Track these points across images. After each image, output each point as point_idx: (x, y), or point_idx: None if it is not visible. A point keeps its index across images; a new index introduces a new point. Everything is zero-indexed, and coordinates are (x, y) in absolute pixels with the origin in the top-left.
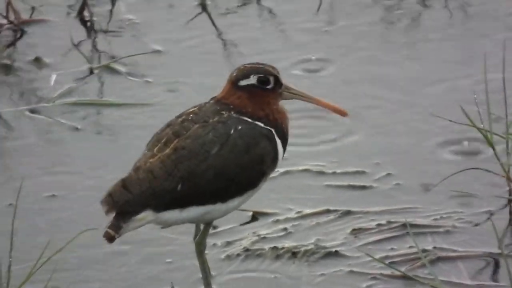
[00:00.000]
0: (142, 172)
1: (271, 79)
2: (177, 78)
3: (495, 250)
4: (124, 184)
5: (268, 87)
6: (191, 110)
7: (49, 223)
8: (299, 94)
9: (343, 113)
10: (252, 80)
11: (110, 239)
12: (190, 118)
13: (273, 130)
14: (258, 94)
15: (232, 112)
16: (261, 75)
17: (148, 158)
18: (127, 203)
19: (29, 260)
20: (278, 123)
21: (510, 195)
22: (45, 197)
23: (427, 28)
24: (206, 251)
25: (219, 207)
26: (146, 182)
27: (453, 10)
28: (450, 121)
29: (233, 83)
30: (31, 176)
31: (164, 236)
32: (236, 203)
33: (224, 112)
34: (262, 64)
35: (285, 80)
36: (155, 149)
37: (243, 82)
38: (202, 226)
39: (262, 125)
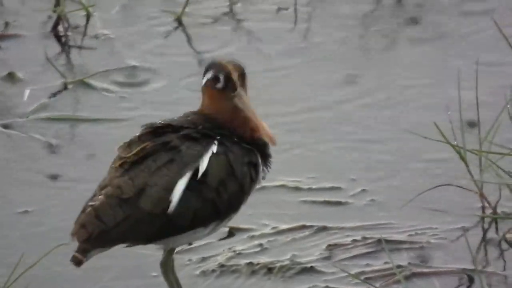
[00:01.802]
0: (109, 189)
1: (221, 77)
2: (153, 93)
3: (469, 266)
4: (96, 213)
5: (217, 86)
6: (162, 120)
7: (21, 238)
8: (245, 106)
9: (272, 141)
10: (208, 75)
11: (78, 263)
12: (158, 124)
13: (254, 149)
14: (212, 93)
15: (203, 125)
16: (213, 71)
17: (114, 172)
18: (103, 235)
19: (2, 276)
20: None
21: (483, 212)
22: (18, 212)
23: (402, 45)
24: (181, 266)
25: (200, 233)
26: (117, 207)
27: (428, 28)
28: (425, 137)
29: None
30: (3, 191)
31: (139, 252)
32: (217, 227)
33: (196, 124)
34: (229, 60)
35: (242, 86)
36: (119, 151)
37: (204, 79)
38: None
39: (239, 141)
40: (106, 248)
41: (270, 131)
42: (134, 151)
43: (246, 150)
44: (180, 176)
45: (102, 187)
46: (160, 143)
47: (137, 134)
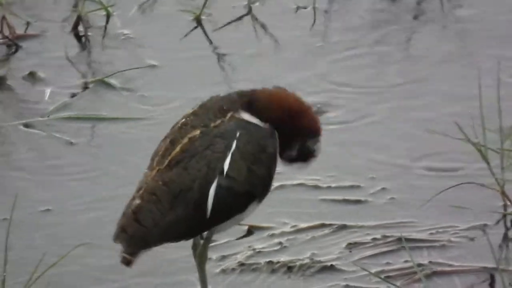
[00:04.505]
0: (145, 194)
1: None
2: (172, 93)
3: (491, 264)
4: (135, 216)
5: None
6: (197, 106)
7: (43, 237)
8: None
9: None
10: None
11: (128, 263)
12: (189, 121)
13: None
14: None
15: (233, 110)
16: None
17: (149, 177)
18: (143, 237)
19: (23, 275)
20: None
21: (505, 209)
22: (40, 211)
23: (422, 44)
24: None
25: (238, 218)
26: (154, 209)
27: (449, 26)
28: (445, 135)
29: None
30: (25, 190)
31: (159, 250)
32: (252, 209)
33: (225, 111)
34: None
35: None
36: (155, 162)
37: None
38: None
39: (262, 125)
40: (148, 248)
41: None
42: (166, 162)
43: (268, 133)
44: (210, 181)
45: (138, 190)
46: (188, 155)
47: (167, 138)
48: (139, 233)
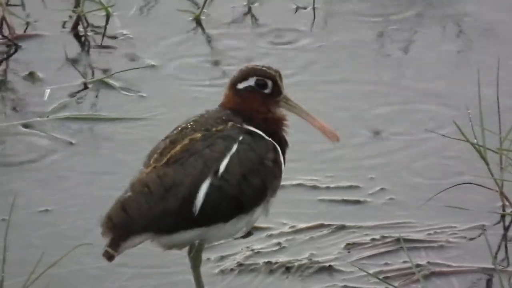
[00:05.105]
0: (137, 186)
1: (269, 83)
2: (171, 93)
3: (489, 265)
4: (123, 206)
5: (265, 91)
6: (193, 118)
7: (42, 237)
8: (297, 108)
9: (334, 137)
10: (250, 82)
11: (110, 257)
12: (189, 126)
13: (275, 143)
14: (255, 98)
15: (234, 121)
16: (260, 78)
17: (143, 173)
18: (127, 226)
19: (22, 275)
20: (278, 133)
21: (503, 210)
22: (38, 211)
23: (421, 44)
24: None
25: (224, 228)
26: (143, 200)
27: (448, 26)
28: (444, 136)
29: (232, 86)
30: (24, 190)
31: (157, 250)
32: (241, 223)
33: (225, 121)
34: (266, 66)
35: (285, 89)
36: (152, 160)
37: (240, 85)
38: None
39: (266, 137)
40: (131, 239)
41: (330, 128)
42: (165, 160)
43: (271, 146)
44: (202, 177)
45: (132, 186)
46: (187, 155)
47: (167, 139)
48: (123, 222)
